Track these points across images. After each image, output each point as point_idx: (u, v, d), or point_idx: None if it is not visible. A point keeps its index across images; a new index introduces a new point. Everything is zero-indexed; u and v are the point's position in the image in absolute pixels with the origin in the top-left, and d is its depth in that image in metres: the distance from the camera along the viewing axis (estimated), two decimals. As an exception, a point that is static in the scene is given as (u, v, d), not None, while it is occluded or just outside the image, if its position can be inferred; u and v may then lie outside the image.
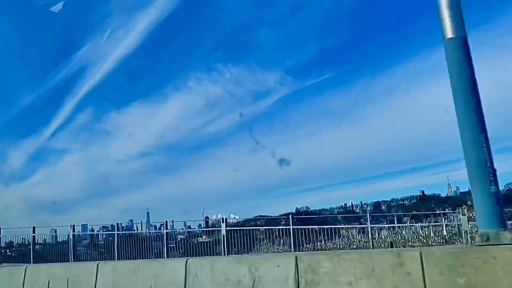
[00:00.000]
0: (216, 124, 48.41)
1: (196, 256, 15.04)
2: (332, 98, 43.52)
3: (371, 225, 13.78)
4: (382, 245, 13.62)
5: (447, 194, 70.09)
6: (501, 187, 12.18)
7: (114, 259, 16.88)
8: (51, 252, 19.72)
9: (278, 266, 5.95)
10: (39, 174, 48.76)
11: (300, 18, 41.67)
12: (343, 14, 43.27)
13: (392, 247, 13.67)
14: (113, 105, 48.93)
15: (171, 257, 15.86)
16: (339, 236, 13.93)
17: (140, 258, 16.26)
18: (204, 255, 15.44)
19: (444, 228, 12.20)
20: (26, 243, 20.67)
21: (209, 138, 47.93)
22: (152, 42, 44.46)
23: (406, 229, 13.00)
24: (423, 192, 70.16)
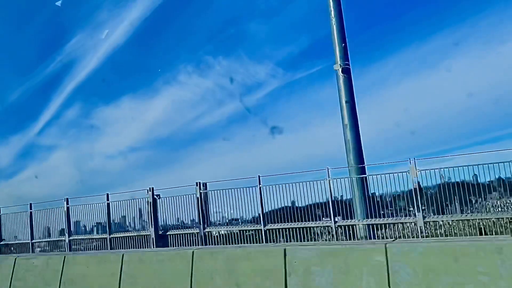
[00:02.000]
0: (207, 117, 47.49)
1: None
2: (323, 89, 42.72)
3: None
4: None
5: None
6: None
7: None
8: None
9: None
10: (28, 171, 47.63)
11: (291, 9, 40.94)
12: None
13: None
14: (102, 99, 48.10)
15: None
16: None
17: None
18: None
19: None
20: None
21: (200, 132, 47.13)
22: (141, 36, 43.60)
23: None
24: (418, 184, 69.57)
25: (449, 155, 11.99)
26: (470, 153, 11.47)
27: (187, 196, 16.01)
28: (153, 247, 16.43)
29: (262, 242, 14.03)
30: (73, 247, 19.12)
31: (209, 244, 15.15)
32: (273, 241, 13.94)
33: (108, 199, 17.98)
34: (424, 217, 11.49)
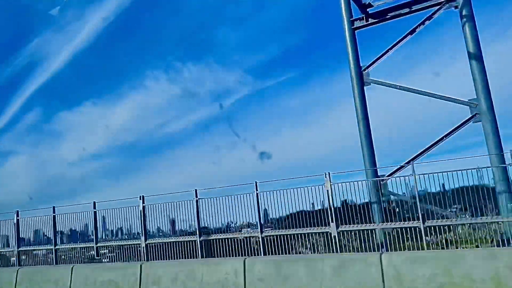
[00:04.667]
0: (174, 124, 47.71)
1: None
2: (292, 98, 43.76)
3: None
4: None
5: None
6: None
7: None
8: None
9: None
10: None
11: (261, 16, 41.75)
12: (305, 13, 43.56)
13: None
14: (64, 104, 47.67)
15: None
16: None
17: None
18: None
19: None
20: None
21: (166, 139, 47.30)
22: (107, 39, 43.36)
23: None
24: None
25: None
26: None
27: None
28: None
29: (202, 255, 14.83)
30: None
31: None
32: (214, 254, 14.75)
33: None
34: (337, 227, 12.68)
